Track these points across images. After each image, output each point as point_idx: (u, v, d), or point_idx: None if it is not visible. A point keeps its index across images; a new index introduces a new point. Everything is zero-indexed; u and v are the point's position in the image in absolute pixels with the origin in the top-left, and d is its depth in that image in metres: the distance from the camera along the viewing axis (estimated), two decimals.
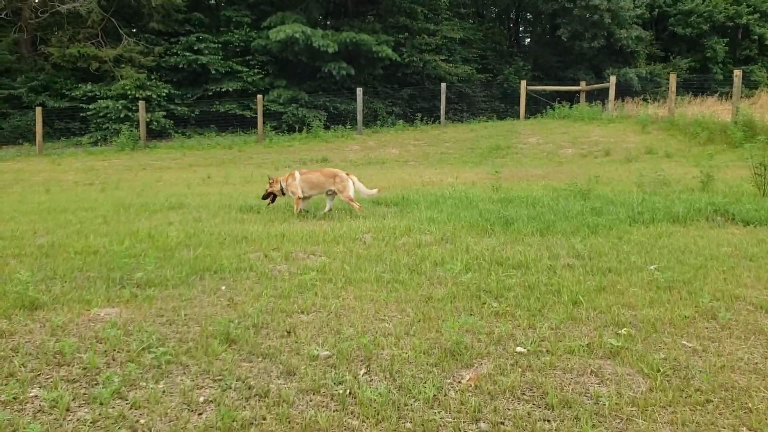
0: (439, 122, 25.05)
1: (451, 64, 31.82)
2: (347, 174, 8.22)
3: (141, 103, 22.22)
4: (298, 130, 25.08)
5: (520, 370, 3.12)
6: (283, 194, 8.23)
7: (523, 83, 25.99)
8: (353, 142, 22.00)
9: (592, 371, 3.12)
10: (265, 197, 8.43)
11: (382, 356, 3.27)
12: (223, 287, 4.62)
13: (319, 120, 26.09)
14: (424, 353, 3.29)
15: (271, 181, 8.32)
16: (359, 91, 23.57)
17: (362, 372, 3.08)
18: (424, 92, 31.03)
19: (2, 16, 24.67)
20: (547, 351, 3.36)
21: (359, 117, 23.68)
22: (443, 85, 25.09)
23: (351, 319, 3.86)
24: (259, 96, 23.46)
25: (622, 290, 4.50)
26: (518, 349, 3.37)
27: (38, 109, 21.60)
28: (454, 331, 3.43)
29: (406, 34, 30.42)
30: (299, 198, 8.04)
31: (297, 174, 8.13)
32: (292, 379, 3.04)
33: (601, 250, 5.82)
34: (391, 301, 4.23)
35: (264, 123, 23.63)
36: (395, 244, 6.15)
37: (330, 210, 8.21)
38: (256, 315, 3.92)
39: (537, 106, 27.92)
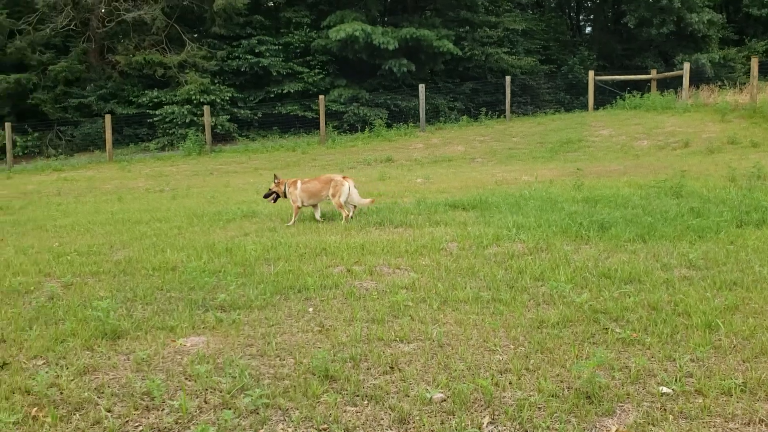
0: (504, 116, 24.39)
1: (513, 57, 31.00)
2: (344, 177, 7.97)
3: (206, 108, 22.39)
4: (359, 130, 24.88)
5: (671, 417, 2.66)
6: (285, 197, 8.11)
7: (591, 73, 25.04)
8: (416, 140, 21.59)
9: (760, 419, 2.63)
10: (267, 196, 8.38)
11: (504, 400, 2.86)
12: (311, 309, 4.30)
13: (381, 118, 25.80)
14: (553, 396, 2.86)
15: (277, 181, 8.23)
16: (421, 87, 23.15)
17: (486, 421, 2.68)
18: (486, 86, 30.33)
19: (72, 27, 25.30)
20: (696, 391, 2.88)
21: (422, 114, 23.26)
22: (508, 78, 24.41)
23: (458, 351, 3.46)
24: (321, 96, 23.32)
25: (759, 309, 3.96)
26: (662, 389, 2.90)
27: (107, 117, 22.03)
28: (584, 368, 2.98)
29: (467, 27, 29.76)
30: (298, 207, 7.96)
31: (299, 183, 7.99)
32: (406, 428, 2.67)
33: (716, 259, 5.24)
34: (498, 326, 3.81)
35: (326, 123, 23.46)
36: (484, 254, 5.72)
37: (320, 218, 8.06)
38: (352, 345, 3.57)
39: (604, 96, 26.83)
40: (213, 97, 25.68)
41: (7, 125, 21.69)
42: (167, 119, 25.43)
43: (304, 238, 6.75)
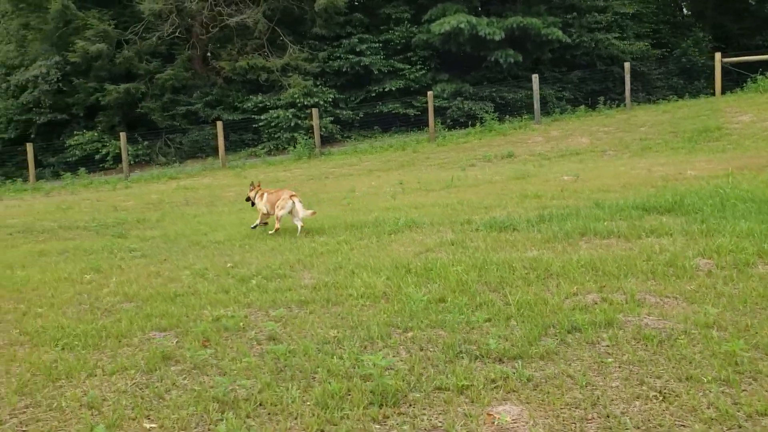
0: (624, 105, 22.82)
1: (624, 42, 29.18)
2: (291, 195, 8.19)
3: (314, 111, 21.96)
4: (465, 125, 23.98)
5: None
6: (252, 204, 8.85)
7: (718, 56, 23.09)
8: (534, 133, 20.41)
9: None
10: (247, 200, 9.14)
11: None
12: (610, 360, 3.40)
13: (487, 112, 24.75)
14: None
15: (251, 187, 9.00)
16: (535, 77, 21.94)
17: None
18: (594, 74, 28.73)
19: (176, 34, 25.51)
20: None
21: (536, 105, 22.02)
22: (627, 65, 22.89)
23: None
24: (429, 92, 22.47)
25: None
26: None
27: (219, 124, 21.97)
28: None
29: (574, 13, 28.20)
30: (263, 214, 8.55)
31: (265, 194, 8.55)
32: None
33: None
34: None
35: (430, 119, 22.57)
36: (756, 274, 4.68)
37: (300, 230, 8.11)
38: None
39: (729, 79, 24.74)
40: (316, 99, 25.35)
41: (122, 135, 21.97)
42: (272, 123, 25.27)
43: (505, 255, 5.86)
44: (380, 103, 26.79)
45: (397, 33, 27.45)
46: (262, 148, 25.28)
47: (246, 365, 3.59)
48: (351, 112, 26.57)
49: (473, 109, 26.03)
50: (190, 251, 7.48)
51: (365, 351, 3.69)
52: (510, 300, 4.46)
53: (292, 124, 24.99)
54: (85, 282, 6.11)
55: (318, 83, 26.18)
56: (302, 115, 25.24)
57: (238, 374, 3.47)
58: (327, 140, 25.21)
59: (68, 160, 26.20)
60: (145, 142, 26.20)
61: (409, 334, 3.95)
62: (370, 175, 17.19)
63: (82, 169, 22.91)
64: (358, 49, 26.63)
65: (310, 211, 8.22)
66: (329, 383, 3.16)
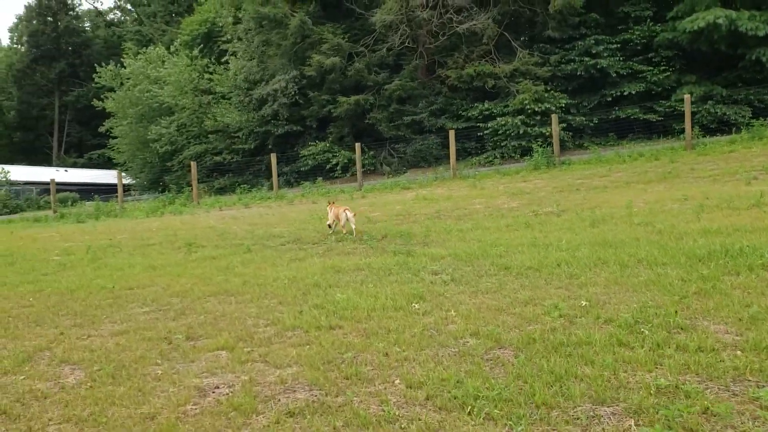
0: None
1: None
2: (345, 209, 11.22)
3: (553, 117, 20.54)
4: (717, 131, 21.24)
5: None
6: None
7: None
8: None
9: None
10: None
11: None
12: None
13: (742, 116, 21.68)
14: None
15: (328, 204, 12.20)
16: None
17: None
18: None
19: (405, 44, 25.46)
20: None
21: None
22: None
23: None
24: (687, 96, 19.96)
25: None
26: None
27: (451, 133, 21.37)
28: None
29: None
30: (328, 225, 11.64)
31: (332, 208, 11.75)
32: None
33: None
34: None
35: (672, 126, 20.08)
36: None
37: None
38: None
39: None
40: (547, 105, 23.92)
41: (357, 146, 22.20)
42: (499, 131, 24.27)
43: None
44: (617, 108, 24.66)
45: (636, 32, 25.13)
46: (487, 158, 24.38)
47: None
48: (584, 118, 24.74)
49: (727, 113, 23.04)
50: (508, 279, 6.50)
51: None
52: None
53: (521, 132, 23.81)
54: (415, 312, 5.36)
55: (548, 88, 24.71)
56: (531, 122, 23.96)
57: None
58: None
59: (301, 169, 27.31)
60: (371, 152, 26.48)
61: None
62: (629, 187, 15.36)
63: (319, 179, 23.57)
64: (593, 51, 24.76)
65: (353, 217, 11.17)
66: None
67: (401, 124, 26.26)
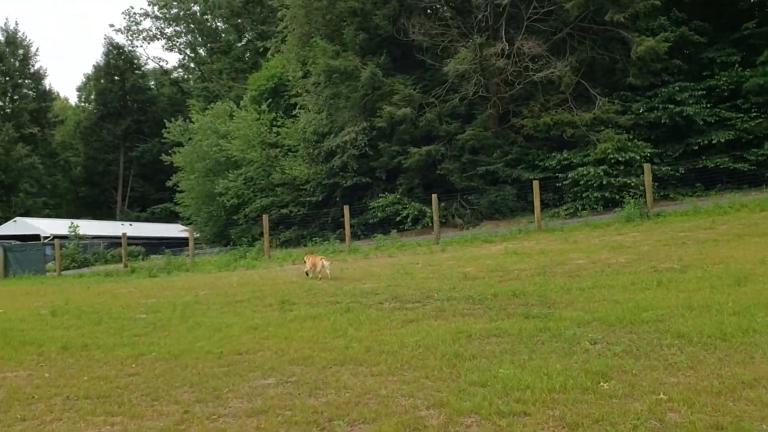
0: None
1: None
2: (321, 258, 13.98)
3: (646, 166, 19.41)
4: None
5: None
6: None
7: None
8: None
9: None
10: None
11: None
12: None
13: None
14: None
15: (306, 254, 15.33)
16: None
17: None
18: None
19: (479, 94, 24.91)
20: None
21: None
22: None
23: None
24: None
25: None
26: None
27: (536, 183, 20.42)
28: None
29: None
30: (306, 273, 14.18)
31: (309, 258, 14.43)
32: None
33: None
34: None
35: None
36: None
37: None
38: None
39: None
40: (631, 155, 22.85)
41: (434, 197, 21.44)
42: (580, 182, 23.23)
43: None
44: (704, 158, 23.39)
45: (723, 78, 24.00)
46: (567, 209, 23.31)
47: None
48: (669, 168, 23.50)
49: None
50: (694, 350, 5.49)
51: None
52: None
53: (603, 182, 22.73)
54: (610, 395, 4.41)
55: (631, 137, 23.66)
56: (614, 172, 22.89)
57: None
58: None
59: (369, 221, 26.69)
60: (442, 204, 25.70)
61: None
62: (743, 240, 14.08)
63: (393, 231, 22.88)
64: (677, 98, 23.71)
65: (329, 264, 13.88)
66: None
67: (474, 175, 25.49)
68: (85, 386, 5.95)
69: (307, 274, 14.00)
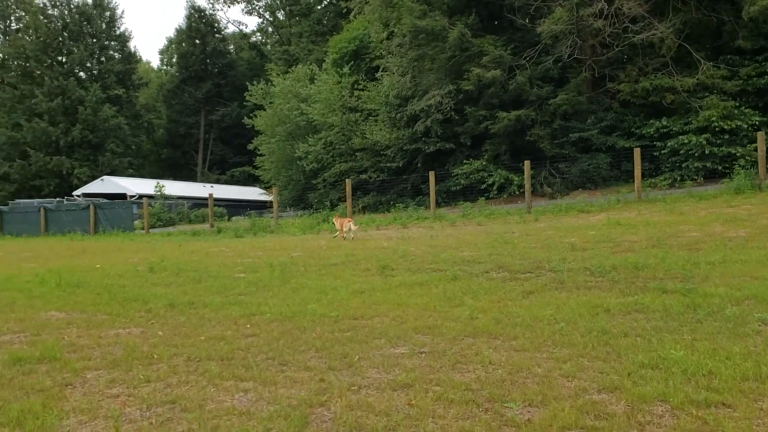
0: None
1: None
2: (348, 221, 16.49)
3: (759, 135, 17.90)
4: None
5: None
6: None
7: None
8: None
9: None
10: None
11: None
12: None
13: None
14: None
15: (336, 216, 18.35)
16: None
17: None
18: None
19: (574, 56, 23.63)
20: None
21: None
22: None
23: None
24: None
25: None
26: None
27: (636, 151, 19.28)
28: None
29: None
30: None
31: (337, 218, 17.23)
32: None
33: None
34: None
35: None
36: None
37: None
38: None
39: None
40: (737, 123, 21.25)
41: (526, 163, 20.61)
42: (680, 151, 21.83)
43: None
44: None
45: None
46: (664, 179, 21.98)
47: None
48: None
49: None
50: None
51: None
52: None
53: (705, 152, 21.26)
54: None
55: (737, 104, 21.98)
56: (718, 141, 21.38)
57: None
58: None
59: (451, 189, 26.02)
60: (530, 172, 24.75)
61: None
62: None
63: (481, 198, 22.21)
64: None
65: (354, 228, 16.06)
66: None
67: (566, 142, 24.34)
68: (204, 347, 5.71)
69: (338, 234, 16.42)
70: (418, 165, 27.91)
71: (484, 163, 25.04)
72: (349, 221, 16.23)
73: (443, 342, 5.44)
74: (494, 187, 24.46)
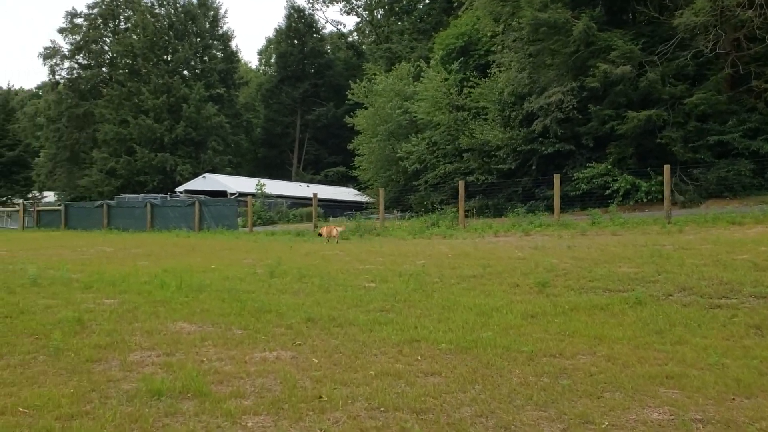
0: None
1: None
2: (335, 227, 19.29)
3: None
4: None
5: None
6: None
7: None
8: None
9: None
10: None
11: None
12: None
13: None
14: None
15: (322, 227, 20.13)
16: None
17: None
18: None
19: (717, 50, 21.26)
20: None
21: None
22: None
23: None
24: None
25: None
26: None
27: None
28: None
29: None
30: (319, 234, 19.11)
31: (326, 227, 19.78)
32: None
33: None
34: None
35: None
36: None
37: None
38: None
39: None
40: None
41: (666, 168, 18.53)
42: None
43: None
44: None
45: None
46: None
47: None
48: None
49: None
50: None
51: None
52: None
53: None
54: None
55: None
56: None
57: None
58: None
59: (570, 194, 24.10)
60: (659, 177, 22.52)
61: None
62: None
63: (613, 205, 20.34)
64: None
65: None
66: None
67: (701, 146, 21.96)
68: (381, 387, 4.50)
69: (321, 236, 19.65)
70: (532, 167, 26.15)
71: (609, 166, 23.01)
72: (334, 228, 19.66)
73: (708, 403, 3.98)
74: (619, 194, 22.44)
